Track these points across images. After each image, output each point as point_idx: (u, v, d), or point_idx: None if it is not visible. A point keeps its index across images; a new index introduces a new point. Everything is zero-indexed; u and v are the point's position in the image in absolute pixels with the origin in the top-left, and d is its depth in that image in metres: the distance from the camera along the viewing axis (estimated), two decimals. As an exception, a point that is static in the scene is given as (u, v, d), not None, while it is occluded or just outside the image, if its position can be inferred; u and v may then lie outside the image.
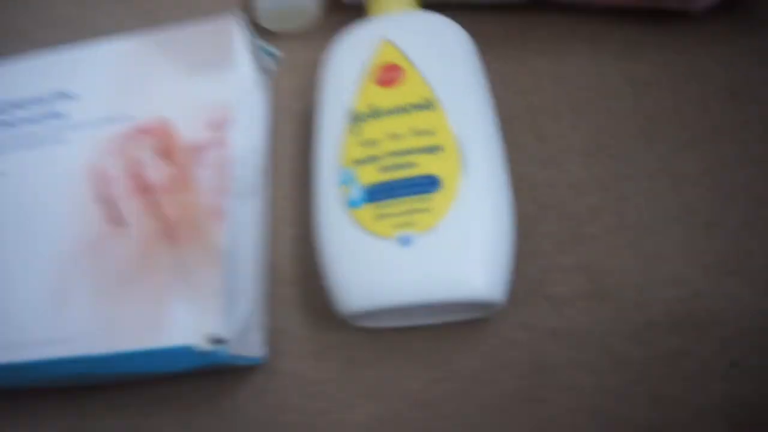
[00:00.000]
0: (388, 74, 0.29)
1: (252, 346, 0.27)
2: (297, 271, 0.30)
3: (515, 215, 0.26)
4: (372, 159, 0.27)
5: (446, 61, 0.29)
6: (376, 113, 0.28)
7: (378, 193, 0.26)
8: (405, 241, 0.25)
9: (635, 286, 0.27)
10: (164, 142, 0.29)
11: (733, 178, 0.29)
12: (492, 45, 0.35)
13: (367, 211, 0.26)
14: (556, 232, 0.29)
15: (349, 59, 0.30)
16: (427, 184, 0.26)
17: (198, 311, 0.25)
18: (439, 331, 0.27)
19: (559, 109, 0.32)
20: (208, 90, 0.30)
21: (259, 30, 0.39)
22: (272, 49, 0.36)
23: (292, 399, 0.27)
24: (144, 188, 0.28)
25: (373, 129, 0.27)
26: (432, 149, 0.26)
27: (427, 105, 0.27)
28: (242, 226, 0.28)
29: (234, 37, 0.32)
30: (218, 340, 0.24)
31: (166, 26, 0.34)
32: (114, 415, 0.28)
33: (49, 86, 0.32)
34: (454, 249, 0.24)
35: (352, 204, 0.26)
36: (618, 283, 0.27)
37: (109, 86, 0.32)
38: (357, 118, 0.28)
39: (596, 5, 0.34)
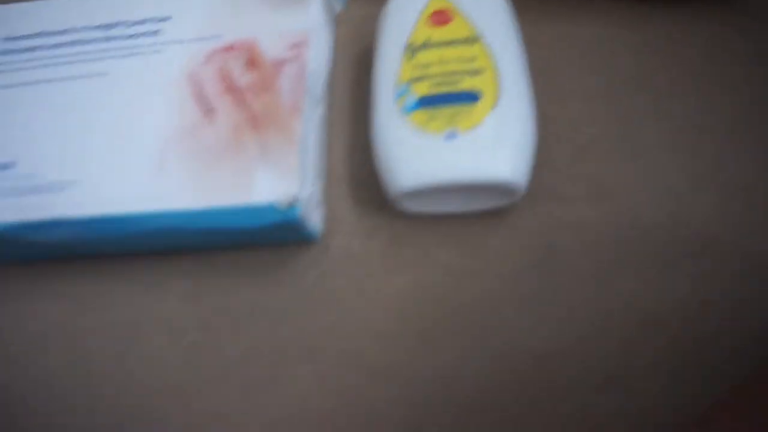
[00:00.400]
0: (439, 17, 0.35)
1: (313, 221, 0.33)
2: (348, 171, 0.37)
3: (538, 127, 0.33)
4: (425, 77, 0.33)
5: (487, 6, 0.36)
6: (429, 44, 0.34)
7: (430, 101, 0.32)
8: (451, 136, 0.31)
9: (630, 193, 0.34)
10: (250, 56, 0.36)
11: (734, 124, 0.36)
12: (518, 8, 0.42)
13: (420, 114, 0.32)
14: (565, 151, 0.36)
15: (404, 7, 0.37)
16: (470, 97, 0.32)
17: (278, 179, 0.31)
18: (469, 218, 0.34)
19: (569, 61, 0.39)
20: (289, 20, 0.37)
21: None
22: None
23: (342, 268, 0.33)
24: (233, 89, 0.34)
25: (426, 56, 0.34)
26: (474, 72, 0.33)
27: (470, 40, 0.34)
28: (311, 124, 0.35)
29: None
30: (294, 200, 0.30)
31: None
32: (188, 279, 0.34)
33: (145, 11, 0.39)
34: (490, 143, 0.31)
35: (407, 110, 0.32)
36: (615, 191, 0.34)
37: (202, 11, 0.38)
38: (413, 49, 0.34)
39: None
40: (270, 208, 0.30)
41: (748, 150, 0.34)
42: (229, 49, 0.36)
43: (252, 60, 0.36)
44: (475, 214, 0.34)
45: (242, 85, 0.35)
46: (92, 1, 0.40)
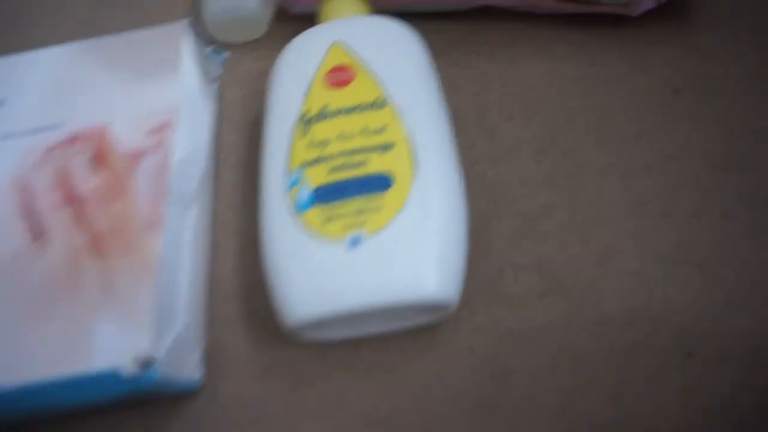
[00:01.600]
0: (339, 75, 0.28)
1: (188, 368, 0.25)
2: (240, 284, 0.29)
3: (468, 214, 0.26)
4: (322, 159, 0.26)
5: (397, 61, 0.29)
6: (326, 114, 0.27)
7: (327, 194, 0.25)
8: (355, 242, 0.24)
9: (589, 281, 0.27)
10: (98, 149, 0.28)
11: (679, 170, 0.29)
12: (442, 50, 0.35)
13: (316, 213, 0.25)
14: (509, 230, 0.29)
15: (299, 63, 0.29)
16: (379, 183, 0.25)
17: (126, 330, 0.23)
18: (391, 341, 0.27)
19: (510, 109, 0.32)
20: (151, 95, 0.29)
21: (207, 40, 0.38)
22: (219, 54, 0.35)
23: (233, 426, 0.26)
24: (72, 199, 0.27)
25: (323, 130, 0.27)
26: (383, 147, 0.26)
27: (378, 104, 0.27)
28: (181, 236, 0.27)
29: (180, 43, 0.31)
30: (148, 361, 0.22)
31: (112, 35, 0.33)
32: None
33: None
34: (406, 248, 0.24)
35: (300, 207, 0.25)
36: (572, 279, 0.27)
37: (42, 93, 0.30)
38: (307, 121, 0.27)
39: (541, 11, 0.34)
40: (112, 377, 0.22)
41: (719, 219, 0.28)
42: (72, 141, 0.28)
43: (100, 155, 0.28)
44: (400, 334, 0.27)
45: (85, 192, 0.27)
46: None
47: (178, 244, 0.27)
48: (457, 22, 0.36)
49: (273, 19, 0.38)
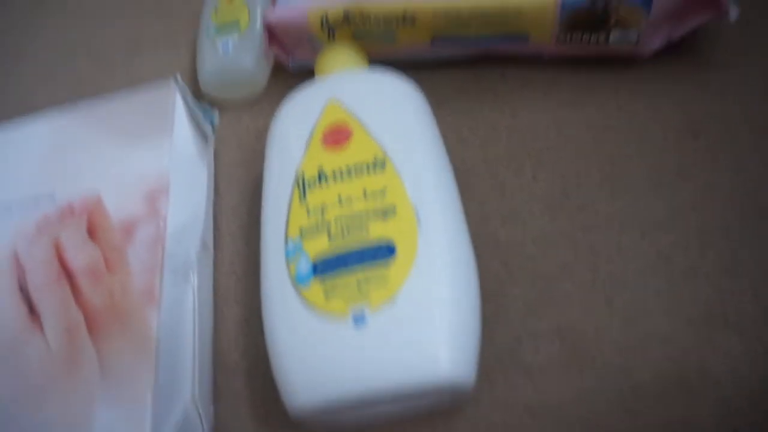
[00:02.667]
0: (336, 135, 0.27)
1: None
2: (244, 356, 0.27)
3: (479, 278, 0.24)
4: (320, 227, 0.24)
5: (396, 118, 0.27)
6: (323, 177, 0.26)
7: (328, 265, 0.23)
8: (359, 320, 0.22)
9: (616, 348, 0.25)
10: (91, 221, 0.27)
11: (704, 220, 0.27)
12: (445, 99, 0.34)
13: (317, 286, 0.23)
14: (526, 294, 0.27)
15: (296, 122, 0.28)
16: (381, 251, 0.23)
17: (127, 418, 0.21)
18: (405, 426, 0.24)
19: (519, 161, 0.31)
20: (144, 160, 0.28)
21: (203, 99, 0.37)
22: (212, 113, 0.34)
23: None
24: (67, 274, 0.25)
25: (321, 194, 0.25)
26: (385, 212, 0.24)
27: (377, 164, 0.25)
28: (180, 308, 0.25)
29: (172, 103, 0.30)
30: None
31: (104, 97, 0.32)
32: None
33: None
34: (414, 324, 0.22)
35: (300, 280, 0.23)
36: (597, 346, 0.25)
37: (33, 164, 0.29)
38: (304, 184, 0.26)
39: (546, 55, 0.33)
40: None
41: (754, 274, 0.26)
42: (66, 212, 0.27)
43: (93, 227, 0.26)
44: (414, 418, 0.25)
45: (79, 265, 0.25)
46: None
47: (177, 317, 0.25)
48: (459, 69, 0.34)
49: (270, 76, 0.37)
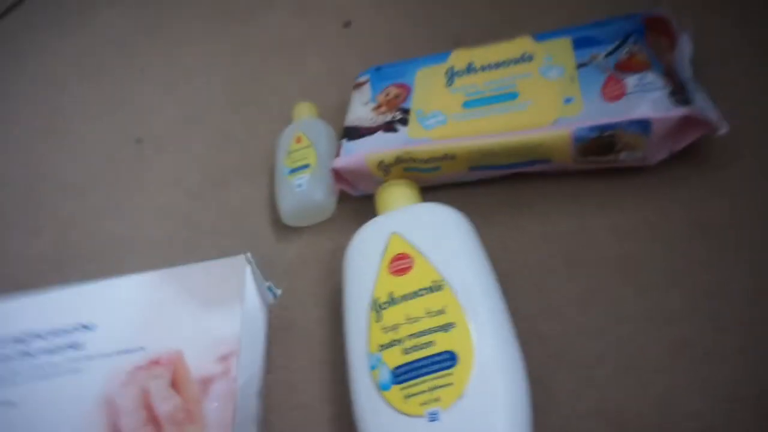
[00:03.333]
0: (400, 263, 0.33)
1: None
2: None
3: (528, 367, 0.29)
4: (395, 342, 0.30)
5: (448, 244, 0.33)
6: (393, 300, 0.32)
7: (404, 374, 0.29)
8: (434, 417, 0.28)
9: (655, 425, 0.29)
10: (175, 374, 0.32)
11: (717, 308, 0.32)
12: (488, 213, 0.40)
13: (396, 392, 0.29)
14: (569, 380, 0.32)
15: (366, 254, 0.35)
16: (446, 360, 0.29)
17: None
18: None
19: (553, 264, 0.36)
20: (218, 324, 0.34)
21: (283, 227, 0.45)
22: (274, 287, 0.40)
23: None
24: (153, 420, 0.30)
25: (392, 315, 0.31)
26: (446, 327, 0.30)
27: (436, 287, 0.32)
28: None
29: (243, 276, 0.36)
30: None
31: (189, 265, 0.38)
32: None
33: (70, 318, 0.36)
34: (480, 418, 0.27)
35: (383, 387, 0.29)
36: (637, 425, 0.29)
37: (127, 319, 0.35)
38: (378, 306, 0.32)
39: (570, 170, 0.39)
40: None
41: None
42: (153, 364, 0.33)
43: (176, 379, 0.32)
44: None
45: (163, 414, 0.31)
46: (8, 304, 0.37)
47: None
48: (498, 186, 0.41)
49: (337, 203, 0.45)
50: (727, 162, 0.37)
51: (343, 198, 0.45)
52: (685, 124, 0.34)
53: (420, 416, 0.28)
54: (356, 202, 0.44)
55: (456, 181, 0.41)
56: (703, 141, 0.38)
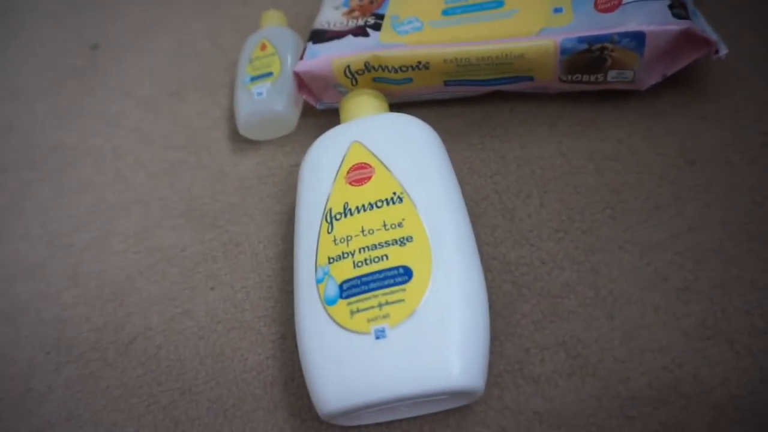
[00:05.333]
0: (359, 173, 0.30)
1: None
2: (282, 370, 0.31)
3: (491, 297, 0.27)
4: (346, 255, 0.28)
5: (413, 156, 0.30)
6: (348, 211, 0.29)
7: (352, 288, 0.27)
8: (380, 335, 0.25)
9: (616, 359, 0.27)
10: None
11: (699, 242, 0.29)
12: (459, 134, 0.37)
13: (343, 307, 0.26)
14: (533, 310, 0.29)
15: (323, 162, 0.32)
16: (400, 275, 0.26)
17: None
18: (423, 424, 0.27)
19: (527, 189, 0.34)
20: None
21: (240, 141, 0.41)
22: None
23: None
24: None
25: (346, 226, 0.28)
26: (402, 241, 0.27)
27: (396, 199, 0.29)
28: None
29: None
30: None
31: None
32: None
33: None
34: (430, 338, 0.25)
35: (328, 302, 0.27)
36: (599, 358, 0.27)
37: None
38: (331, 217, 0.29)
39: (550, 92, 0.36)
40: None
41: (747, 289, 0.28)
42: None
43: None
44: (430, 417, 0.27)
45: None
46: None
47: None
48: (472, 106, 0.38)
49: (300, 116, 0.41)
50: (720, 94, 0.34)
51: (306, 112, 0.41)
52: (682, 42, 0.31)
53: (366, 333, 0.25)
54: (320, 116, 0.40)
55: (429, 98, 0.38)
56: (697, 70, 0.35)
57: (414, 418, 0.28)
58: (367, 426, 0.28)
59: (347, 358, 0.25)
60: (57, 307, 0.37)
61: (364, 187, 0.30)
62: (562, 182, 0.33)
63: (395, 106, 0.38)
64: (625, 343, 0.27)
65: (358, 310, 0.26)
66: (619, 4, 0.32)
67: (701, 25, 0.32)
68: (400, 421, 0.28)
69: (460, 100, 0.38)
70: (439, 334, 0.25)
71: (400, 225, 0.28)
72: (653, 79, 0.33)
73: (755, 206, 0.30)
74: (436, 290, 0.26)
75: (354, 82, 0.36)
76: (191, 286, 0.35)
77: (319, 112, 0.40)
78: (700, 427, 0.25)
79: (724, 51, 0.31)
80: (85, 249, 0.39)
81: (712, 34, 0.31)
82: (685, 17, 0.31)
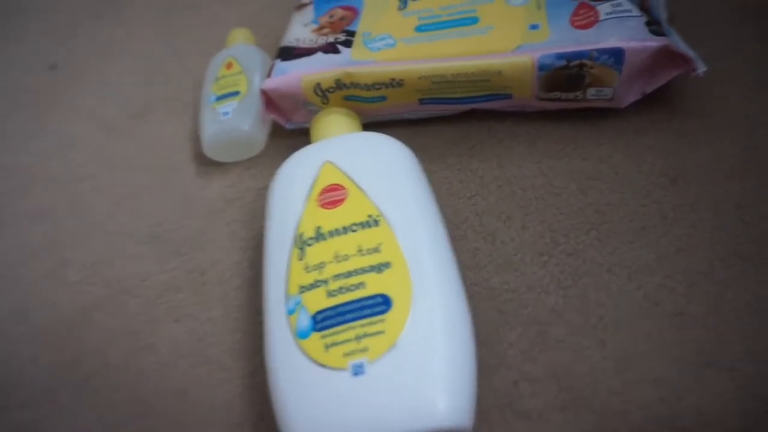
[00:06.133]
0: (331, 195, 0.28)
1: None
2: (252, 408, 0.28)
3: (475, 325, 0.25)
4: (319, 283, 0.25)
5: (388, 177, 0.29)
6: (321, 236, 0.27)
7: (326, 319, 0.24)
8: (358, 371, 0.23)
9: (611, 392, 0.25)
10: None
11: (688, 264, 0.28)
12: (436, 154, 0.35)
13: (316, 340, 0.24)
14: (520, 339, 0.28)
15: (293, 184, 0.30)
16: (378, 305, 0.24)
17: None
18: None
19: (509, 211, 0.32)
20: None
21: (206, 164, 0.39)
22: None
23: None
24: None
25: (318, 252, 0.26)
26: (379, 267, 0.25)
27: (371, 222, 0.27)
28: None
29: None
30: None
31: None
32: None
33: None
34: (413, 373, 0.23)
35: (301, 335, 0.25)
36: (592, 390, 0.26)
37: None
38: (302, 243, 0.27)
39: (528, 110, 0.35)
40: None
41: (742, 313, 0.27)
42: None
43: None
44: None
45: None
46: None
47: None
48: (448, 125, 0.36)
49: (269, 136, 0.39)
50: (699, 111, 0.34)
51: (275, 133, 0.39)
52: (661, 58, 0.30)
53: (342, 369, 0.23)
54: (290, 137, 0.38)
55: (403, 117, 0.36)
56: (675, 87, 0.35)
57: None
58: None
59: (322, 397, 0.23)
60: (1, 344, 0.34)
61: (338, 209, 0.28)
62: (544, 203, 0.32)
63: (369, 126, 0.36)
64: (619, 373, 0.26)
65: (333, 344, 0.24)
66: (596, 20, 0.31)
67: (677, 42, 0.31)
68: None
69: (435, 120, 0.37)
70: (422, 367, 0.23)
71: (376, 250, 0.26)
72: (632, 97, 0.33)
73: (744, 225, 0.29)
74: (417, 319, 0.24)
75: (325, 101, 0.35)
76: (153, 319, 0.33)
77: (289, 132, 0.39)
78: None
79: (702, 69, 0.30)
80: (37, 281, 0.37)
81: (689, 51, 0.31)
82: (662, 34, 0.31)
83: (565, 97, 0.32)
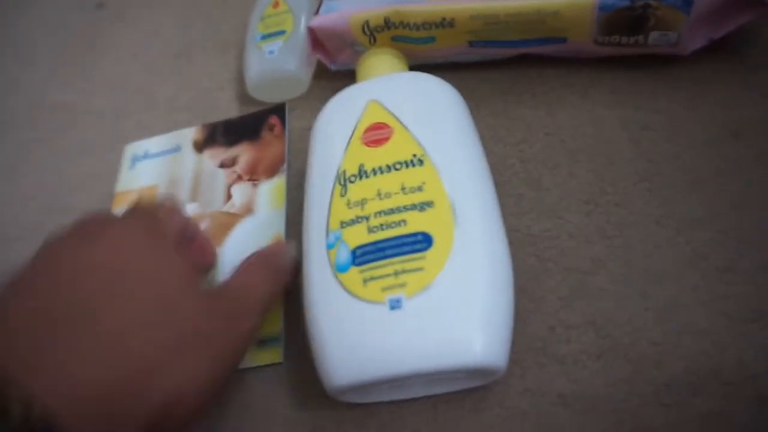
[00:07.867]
0: (376, 134, 0.28)
1: None
2: (286, 341, 0.29)
3: (514, 271, 0.25)
4: (360, 219, 0.25)
5: (434, 117, 0.28)
6: (364, 173, 0.27)
7: (366, 254, 0.24)
8: (395, 305, 0.23)
9: (650, 342, 0.25)
10: None
11: (743, 220, 0.27)
12: (483, 100, 0.34)
13: (355, 274, 0.24)
14: (559, 286, 0.27)
15: (338, 122, 0.29)
16: (418, 242, 0.24)
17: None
18: (437, 404, 0.25)
19: (555, 159, 0.31)
20: None
21: (249, 103, 0.39)
22: None
23: None
24: None
25: (361, 189, 0.26)
26: (422, 206, 0.25)
27: (416, 161, 0.26)
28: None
29: None
30: None
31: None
32: None
33: None
34: (449, 311, 0.23)
35: (339, 268, 0.25)
36: (631, 339, 0.25)
37: None
38: (345, 180, 0.27)
39: (584, 57, 0.33)
40: None
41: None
42: None
43: None
44: (446, 397, 0.25)
45: None
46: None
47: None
48: (497, 70, 0.35)
49: (312, 78, 0.39)
50: (766, 64, 0.32)
51: (319, 74, 0.39)
52: (734, 1, 0.29)
53: (380, 302, 0.23)
54: (334, 78, 0.38)
55: (452, 60, 0.35)
56: (744, 36, 0.32)
57: (427, 398, 0.26)
58: (375, 404, 0.26)
59: (359, 329, 0.23)
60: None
61: (382, 148, 0.27)
62: (593, 152, 0.31)
63: (415, 68, 0.35)
64: (660, 324, 0.25)
65: (371, 278, 0.24)
66: (665, -42, 0.29)
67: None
68: (412, 400, 0.26)
69: (484, 65, 0.35)
70: (459, 306, 0.23)
71: (420, 189, 0.25)
72: (698, 43, 0.31)
73: (806, 182, 0.27)
74: (457, 259, 0.24)
75: (372, 41, 0.34)
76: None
77: (333, 74, 0.38)
78: (743, 417, 0.22)
79: (778, 13, 0.28)
80: (84, 210, 0.38)
81: None
82: (738, -26, 0.29)
83: (625, 41, 0.31)
